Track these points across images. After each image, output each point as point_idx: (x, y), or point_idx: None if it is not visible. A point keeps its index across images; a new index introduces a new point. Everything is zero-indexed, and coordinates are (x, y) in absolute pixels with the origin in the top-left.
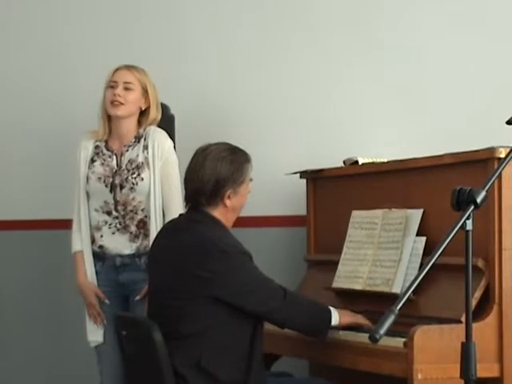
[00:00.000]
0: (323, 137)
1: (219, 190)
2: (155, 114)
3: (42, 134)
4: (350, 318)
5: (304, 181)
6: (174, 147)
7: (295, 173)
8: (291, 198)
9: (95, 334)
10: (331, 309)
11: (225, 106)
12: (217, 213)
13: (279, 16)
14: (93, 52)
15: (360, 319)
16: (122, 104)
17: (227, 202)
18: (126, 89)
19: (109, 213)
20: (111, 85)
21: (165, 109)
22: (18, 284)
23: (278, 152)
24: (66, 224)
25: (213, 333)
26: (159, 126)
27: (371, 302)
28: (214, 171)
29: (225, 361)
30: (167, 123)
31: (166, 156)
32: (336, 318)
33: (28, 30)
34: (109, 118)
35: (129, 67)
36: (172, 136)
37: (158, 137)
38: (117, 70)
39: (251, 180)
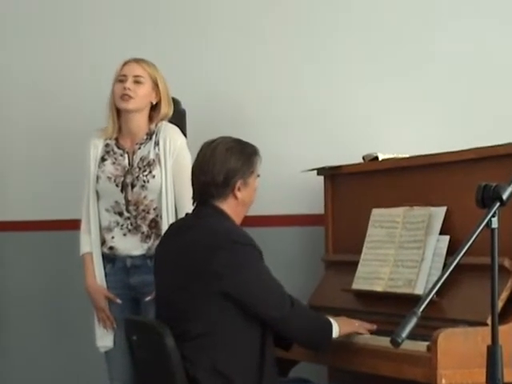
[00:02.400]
0: (341, 132)
1: (230, 181)
2: (166, 108)
3: (49, 132)
4: (349, 327)
5: (321, 178)
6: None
7: (312, 169)
8: (308, 196)
9: (104, 339)
10: (332, 321)
11: (239, 101)
12: (226, 206)
13: (297, 11)
14: (101, 48)
15: (358, 328)
16: (131, 98)
17: (237, 193)
18: (136, 82)
19: (120, 213)
20: (120, 79)
21: (176, 103)
22: (26, 286)
23: (294, 148)
24: (74, 224)
25: (223, 333)
26: (171, 120)
27: (392, 304)
28: (224, 162)
29: (238, 364)
30: (178, 118)
31: (178, 152)
32: (336, 330)
33: (34, 27)
34: (118, 114)
35: (138, 60)
36: (183, 131)
37: (169, 133)
38: (126, 63)
39: (258, 176)
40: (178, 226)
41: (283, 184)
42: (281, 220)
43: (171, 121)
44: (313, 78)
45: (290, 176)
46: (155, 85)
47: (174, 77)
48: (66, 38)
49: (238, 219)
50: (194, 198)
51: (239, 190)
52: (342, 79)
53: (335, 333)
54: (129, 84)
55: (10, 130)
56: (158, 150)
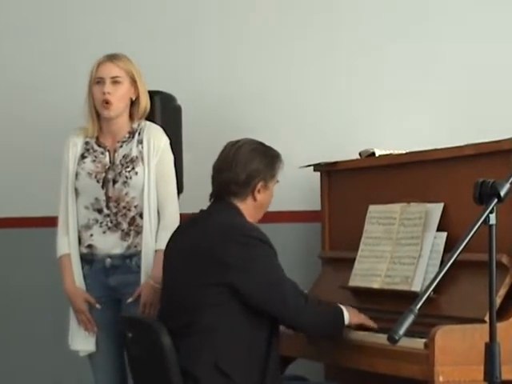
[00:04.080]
0: (338, 127)
1: (251, 181)
2: (145, 102)
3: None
4: (358, 317)
5: (318, 174)
6: (181, 138)
7: (309, 166)
8: (304, 192)
9: (85, 343)
10: (343, 308)
11: (235, 97)
12: (244, 206)
13: (292, 9)
14: (94, 44)
15: (366, 320)
16: (112, 104)
17: (257, 195)
18: (115, 82)
19: (100, 210)
20: (98, 81)
21: (172, 100)
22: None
23: (291, 144)
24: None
25: (228, 329)
26: (166, 116)
27: (390, 301)
28: (248, 161)
29: (241, 363)
30: (174, 114)
31: (162, 153)
32: (347, 317)
33: (22, 23)
34: (98, 116)
35: (112, 59)
36: (179, 127)
37: (153, 132)
38: (100, 64)
39: (278, 181)
40: (191, 220)
41: (279, 180)
42: (277, 216)
43: (167, 117)
44: (309, 74)
45: (286, 172)
46: (133, 80)
47: (169, 73)
48: (53, 36)
49: (252, 221)
50: (212, 194)
51: (259, 192)
52: (339, 76)
53: (346, 320)
54: (108, 88)
55: None
56: (142, 148)
